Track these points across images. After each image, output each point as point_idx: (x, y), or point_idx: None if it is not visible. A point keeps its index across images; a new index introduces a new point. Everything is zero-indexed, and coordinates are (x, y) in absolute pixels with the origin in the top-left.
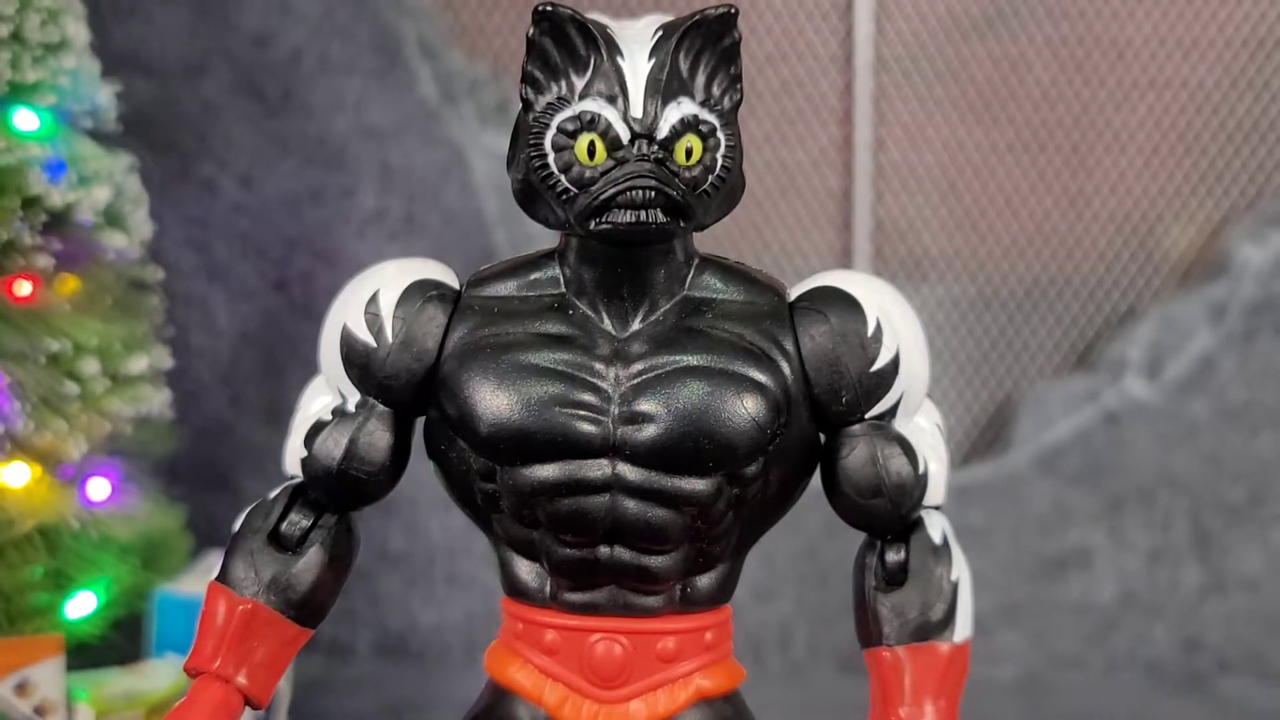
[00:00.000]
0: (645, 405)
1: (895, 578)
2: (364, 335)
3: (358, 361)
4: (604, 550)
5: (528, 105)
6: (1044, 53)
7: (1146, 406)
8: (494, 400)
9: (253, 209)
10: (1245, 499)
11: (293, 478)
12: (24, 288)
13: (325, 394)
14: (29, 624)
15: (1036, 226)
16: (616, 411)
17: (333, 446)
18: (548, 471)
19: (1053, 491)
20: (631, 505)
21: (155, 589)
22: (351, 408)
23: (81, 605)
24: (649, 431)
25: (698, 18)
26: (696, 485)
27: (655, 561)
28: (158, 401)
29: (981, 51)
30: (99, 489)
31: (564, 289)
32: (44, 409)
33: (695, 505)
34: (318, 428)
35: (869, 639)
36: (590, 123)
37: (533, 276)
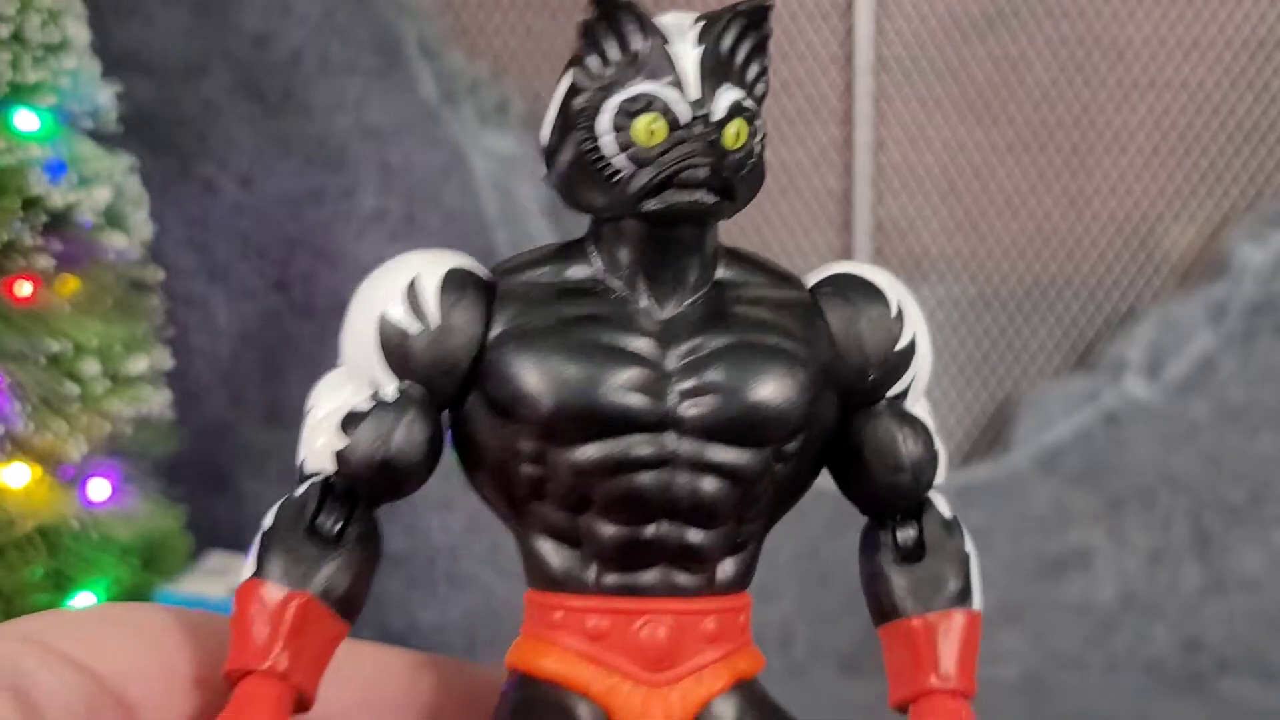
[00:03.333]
0: (698, 380)
1: (912, 554)
2: (405, 322)
3: (397, 350)
4: (651, 529)
5: (577, 90)
6: (1044, 53)
7: (1146, 407)
8: (550, 380)
9: (253, 209)
10: (1245, 499)
11: (312, 475)
12: (24, 288)
13: (345, 388)
14: None
15: (1036, 227)
16: (671, 387)
17: (374, 435)
18: (603, 449)
19: (1053, 491)
20: (684, 480)
21: (155, 590)
22: (389, 397)
23: (82, 606)
24: (704, 405)
25: (739, 8)
26: (747, 458)
27: (701, 538)
28: (158, 402)
29: (981, 51)
30: (99, 489)
31: (599, 274)
32: (44, 409)
33: (745, 479)
34: (354, 417)
35: (888, 614)
36: (649, 104)
37: (565, 262)
